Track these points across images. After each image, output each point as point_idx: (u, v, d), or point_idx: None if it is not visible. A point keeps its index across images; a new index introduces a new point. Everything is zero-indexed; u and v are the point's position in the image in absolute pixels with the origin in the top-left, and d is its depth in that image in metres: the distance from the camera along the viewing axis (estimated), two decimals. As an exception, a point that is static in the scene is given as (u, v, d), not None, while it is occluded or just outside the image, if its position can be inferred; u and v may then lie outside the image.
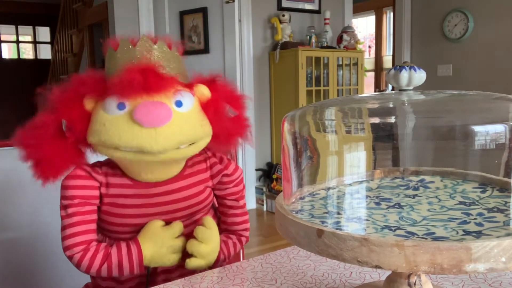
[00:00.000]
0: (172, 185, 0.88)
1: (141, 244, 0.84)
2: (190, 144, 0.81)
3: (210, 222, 0.87)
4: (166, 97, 0.78)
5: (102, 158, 0.89)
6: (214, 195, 0.97)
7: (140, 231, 0.86)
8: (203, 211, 0.95)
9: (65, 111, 0.80)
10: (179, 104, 0.79)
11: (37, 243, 1.12)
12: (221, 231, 0.96)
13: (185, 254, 0.87)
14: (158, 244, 0.83)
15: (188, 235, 0.89)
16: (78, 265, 0.83)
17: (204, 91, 0.85)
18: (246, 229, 0.98)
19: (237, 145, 0.90)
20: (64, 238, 0.84)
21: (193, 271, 0.90)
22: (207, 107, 0.85)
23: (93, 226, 0.86)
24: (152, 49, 0.80)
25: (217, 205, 1.00)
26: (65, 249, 0.83)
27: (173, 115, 0.77)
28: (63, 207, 0.84)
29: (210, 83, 0.87)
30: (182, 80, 0.84)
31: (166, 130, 0.76)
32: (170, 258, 0.84)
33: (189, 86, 0.84)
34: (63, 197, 0.85)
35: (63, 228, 0.84)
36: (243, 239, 0.98)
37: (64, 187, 0.85)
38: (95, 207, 0.86)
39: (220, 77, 0.88)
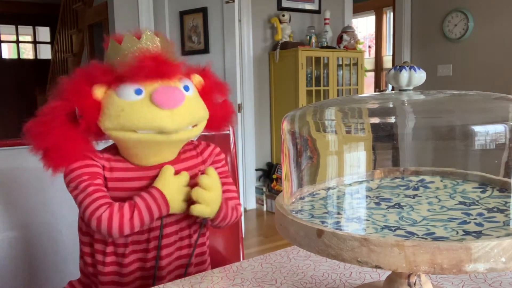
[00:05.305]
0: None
1: (159, 188, 0.86)
2: (194, 126, 0.89)
3: (212, 172, 0.91)
4: (176, 82, 0.86)
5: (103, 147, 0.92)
6: None
7: (155, 180, 0.88)
8: None
9: (76, 99, 0.83)
10: (186, 88, 0.88)
11: (37, 243, 1.12)
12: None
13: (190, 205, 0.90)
14: (173, 189, 0.86)
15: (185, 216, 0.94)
16: (109, 225, 0.81)
17: (199, 79, 0.94)
18: (239, 204, 1.03)
19: (225, 128, 1.01)
20: (85, 209, 0.82)
21: (186, 274, 0.92)
22: (201, 93, 0.94)
23: (108, 194, 0.86)
24: (156, 40, 0.87)
25: None
26: (90, 216, 0.82)
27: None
28: (74, 188, 0.84)
29: (202, 72, 0.96)
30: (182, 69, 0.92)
31: (180, 111, 0.84)
32: (182, 205, 0.87)
33: (187, 74, 0.92)
34: (71, 180, 0.85)
35: (80, 202, 0.83)
36: (239, 207, 1.03)
37: (69, 172, 0.85)
38: (103, 183, 0.88)
39: (209, 68, 0.98)
